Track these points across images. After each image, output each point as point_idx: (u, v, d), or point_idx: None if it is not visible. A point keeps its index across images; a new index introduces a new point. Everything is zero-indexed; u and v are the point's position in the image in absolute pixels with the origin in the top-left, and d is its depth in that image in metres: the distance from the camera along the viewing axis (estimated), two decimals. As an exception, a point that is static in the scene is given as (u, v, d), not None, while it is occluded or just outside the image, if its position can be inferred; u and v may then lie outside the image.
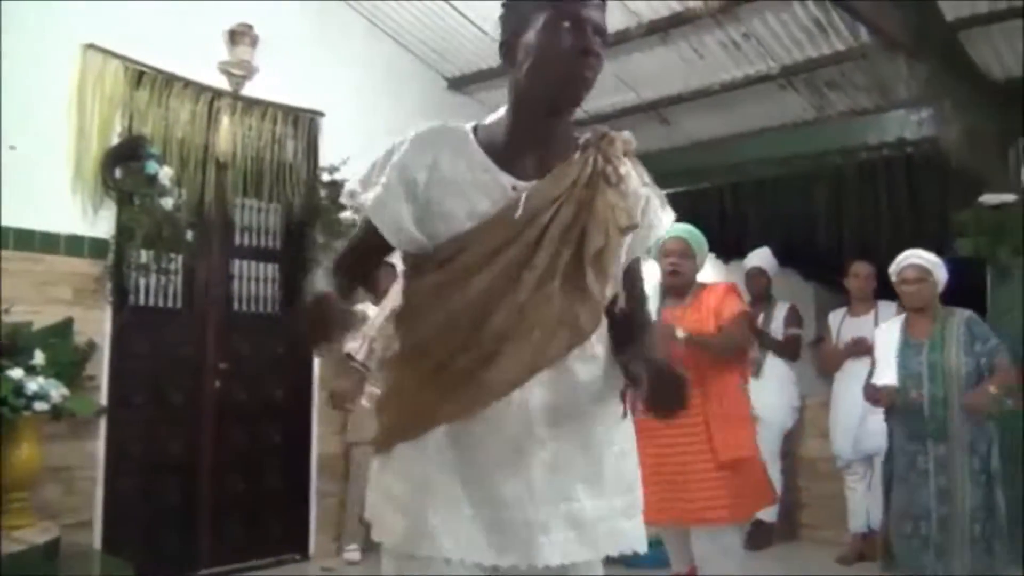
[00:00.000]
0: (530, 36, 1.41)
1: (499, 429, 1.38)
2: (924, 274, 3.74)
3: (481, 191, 1.41)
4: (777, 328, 5.62)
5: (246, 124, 4.92)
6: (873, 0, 3.80)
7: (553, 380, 1.40)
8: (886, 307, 5.11)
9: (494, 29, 1.49)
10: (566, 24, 1.38)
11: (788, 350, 5.55)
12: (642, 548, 1.47)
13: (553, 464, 1.40)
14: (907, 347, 3.66)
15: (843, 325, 5.30)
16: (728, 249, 7.01)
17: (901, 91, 4.82)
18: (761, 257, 5.85)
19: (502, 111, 1.50)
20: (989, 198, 4.96)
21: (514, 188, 1.41)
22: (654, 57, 5.35)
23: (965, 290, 5.53)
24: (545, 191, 1.40)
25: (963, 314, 3.73)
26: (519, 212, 1.37)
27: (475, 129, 1.48)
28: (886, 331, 3.90)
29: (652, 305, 3.35)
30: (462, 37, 5.55)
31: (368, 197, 1.44)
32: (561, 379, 1.41)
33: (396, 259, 1.59)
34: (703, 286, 3.50)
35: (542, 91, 1.41)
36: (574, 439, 1.43)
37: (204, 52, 4.75)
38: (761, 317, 5.58)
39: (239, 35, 4.82)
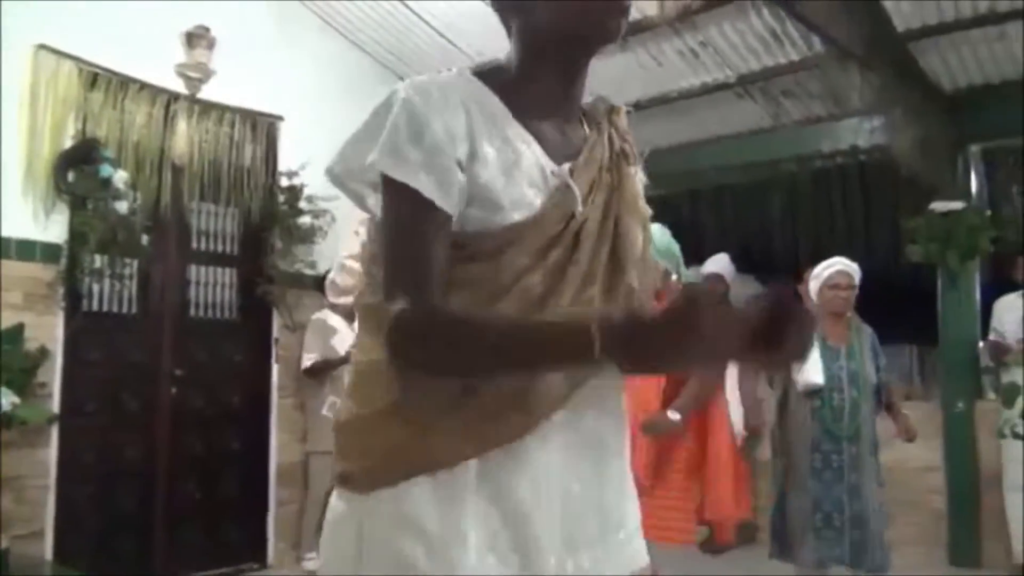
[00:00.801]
0: None
1: (528, 462, 1.11)
2: (852, 281, 3.87)
3: (523, 173, 1.14)
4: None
5: (203, 127, 4.87)
6: (826, 11, 3.87)
7: (580, 401, 1.15)
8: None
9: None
10: None
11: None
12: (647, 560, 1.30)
13: (585, 499, 1.17)
14: (826, 351, 3.74)
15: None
16: (686, 255, 7.07)
17: (854, 100, 4.92)
18: (719, 263, 5.91)
19: (499, 60, 1.23)
20: (939, 205, 5.10)
21: (553, 173, 1.16)
22: (613, 64, 5.38)
23: (916, 294, 5.69)
24: (583, 176, 1.18)
25: (867, 328, 3.91)
26: (579, 207, 1.15)
27: (483, 80, 1.18)
28: None
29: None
30: (420, 40, 5.55)
31: (422, 181, 1.08)
32: (586, 400, 1.16)
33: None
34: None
35: (572, 24, 1.15)
36: (599, 468, 1.20)
37: (160, 54, 4.69)
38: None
39: (196, 38, 4.76)
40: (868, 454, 3.66)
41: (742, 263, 6.33)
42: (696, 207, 6.90)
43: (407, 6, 5.21)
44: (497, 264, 1.11)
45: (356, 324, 1.96)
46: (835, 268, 3.92)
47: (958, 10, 4.54)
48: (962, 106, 5.23)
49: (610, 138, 1.25)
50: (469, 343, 1.05)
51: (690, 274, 3.77)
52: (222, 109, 4.97)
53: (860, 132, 5.41)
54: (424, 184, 1.08)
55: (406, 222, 1.10)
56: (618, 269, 1.18)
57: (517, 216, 1.11)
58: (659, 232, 3.33)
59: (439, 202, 1.08)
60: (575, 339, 0.95)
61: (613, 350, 0.92)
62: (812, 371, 3.74)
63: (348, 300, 4.57)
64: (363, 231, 1.30)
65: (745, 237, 6.67)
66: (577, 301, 1.13)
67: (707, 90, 5.52)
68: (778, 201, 6.63)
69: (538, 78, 1.19)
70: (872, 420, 3.71)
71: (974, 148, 5.37)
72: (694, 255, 6.99)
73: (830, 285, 3.88)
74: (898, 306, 6.02)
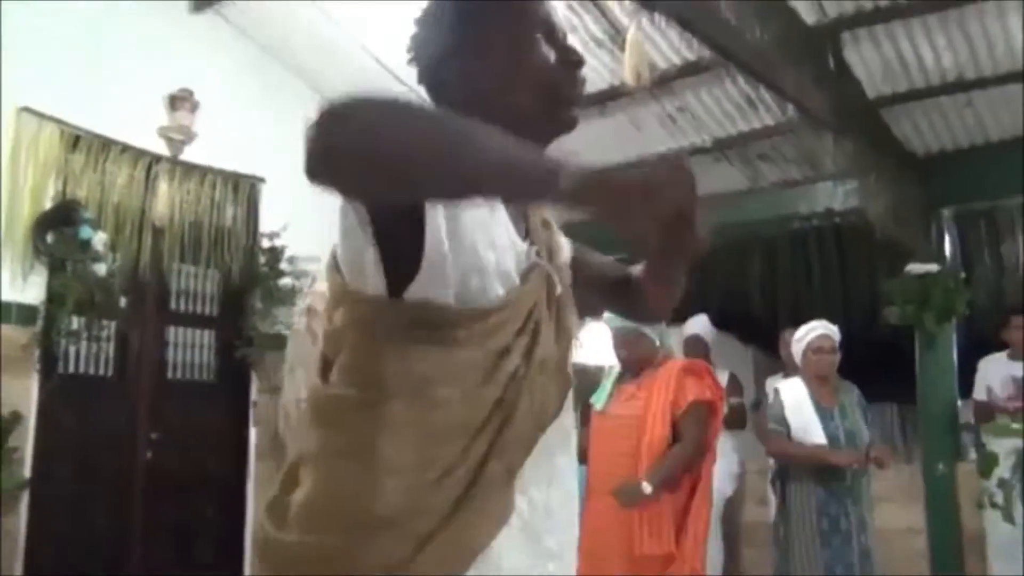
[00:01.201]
0: (505, 44, 1.10)
1: (511, 536, 1.02)
2: (834, 344, 3.94)
3: (505, 244, 1.05)
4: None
5: (185, 189, 4.88)
6: (797, 80, 3.97)
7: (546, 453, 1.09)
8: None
9: (418, 43, 1.17)
10: (545, 31, 1.12)
11: (733, 421, 5.60)
12: None
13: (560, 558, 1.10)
14: (821, 412, 3.79)
15: (780, 390, 5.39)
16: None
17: (828, 164, 5.02)
18: (699, 325, 5.94)
19: None
20: (914, 267, 5.17)
21: (527, 254, 1.10)
22: (593, 128, 5.47)
23: (897, 354, 5.72)
24: (541, 249, 1.14)
25: (853, 386, 3.98)
26: (559, 288, 1.12)
27: None
28: (793, 394, 3.97)
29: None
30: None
31: None
32: (550, 455, 1.10)
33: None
34: (664, 362, 3.49)
35: (534, 116, 1.09)
36: (569, 526, 1.14)
37: (144, 117, 4.72)
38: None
39: (179, 100, 4.81)
40: (868, 513, 3.68)
41: (722, 322, 6.37)
42: (676, 267, 6.95)
43: (390, 71, 5.29)
44: (484, 342, 1.01)
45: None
46: (817, 332, 3.97)
47: (927, 78, 4.66)
48: (934, 170, 5.34)
49: (542, 218, 1.22)
50: (419, 123, 0.86)
51: (670, 334, 3.78)
52: (204, 171, 5.00)
53: (835, 195, 5.50)
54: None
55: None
56: (564, 344, 1.14)
57: (499, 288, 1.02)
58: None
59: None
60: (540, 158, 0.88)
61: (574, 181, 0.84)
62: (813, 432, 3.76)
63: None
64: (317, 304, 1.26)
65: (725, 296, 6.71)
66: (539, 373, 1.06)
67: (685, 154, 5.61)
68: (757, 261, 6.70)
69: None
70: (867, 478, 3.76)
71: (946, 211, 5.47)
72: (676, 313, 7.06)
73: (813, 349, 3.94)
74: (879, 365, 6.04)
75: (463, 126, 0.87)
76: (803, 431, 3.80)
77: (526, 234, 1.13)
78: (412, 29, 1.18)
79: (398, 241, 0.97)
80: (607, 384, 3.61)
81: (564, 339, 1.15)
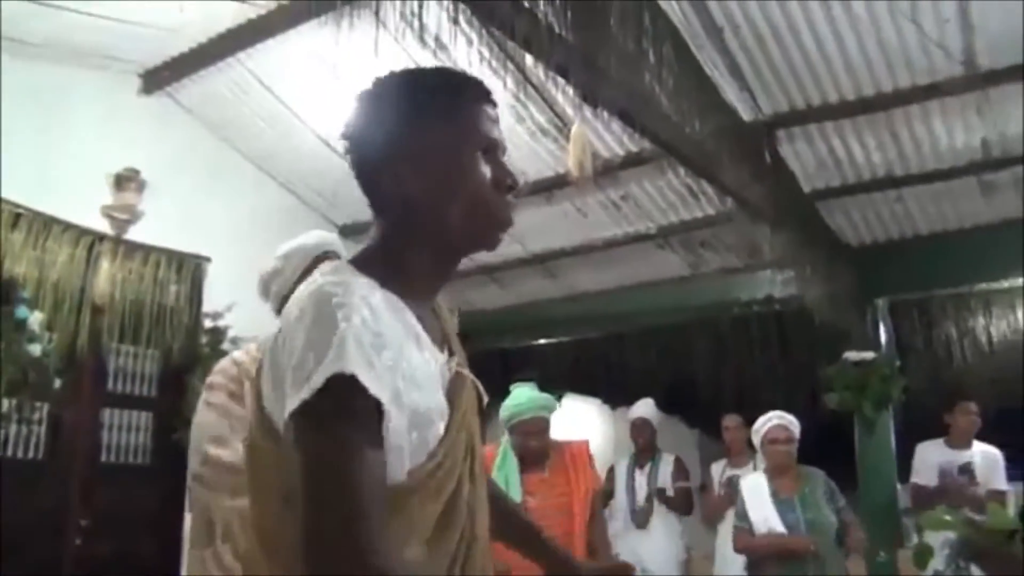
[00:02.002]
0: (442, 157, 1.08)
1: None
2: (790, 434, 4.01)
3: (433, 375, 1.05)
4: (665, 481, 5.66)
5: (127, 268, 4.82)
6: (736, 174, 4.11)
7: None
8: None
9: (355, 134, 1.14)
10: (486, 147, 1.10)
11: (680, 505, 5.58)
12: None
13: None
14: (779, 504, 3.84)
15: (724, 475, 5.42)
16: (614, 396, 7.18)
17: (767, 253, 5.17)
18: (645, 408, 5.97)
19: (368, 249, 1.13)
20: (852, 355, 5.30)
21: (448, 367, 1.10)
22: (540, 213, 5.59)
23: (839, 439, 5.80)
24: (466, 366, 1.15)
25: (819, 473, 4.01)
26: (486, 398, 1.15)
27: (375, 279, 1.04)
28: (753, 485, 4.06)
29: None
30: (352, 185, 5.65)
31: (385, 395, 0.94)
32: None
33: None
34: (556, 445, 3.40)
35: (461, 233, 1.09)
36: None
37: (89, 195, 4.69)
38: (647, 468, 5.63)
39: (125, 180, 4.79)
40: None
41: (668, 406, 6.42)
42: (622, 350, 7.04)
43: (334, 151, 5.35)
44: (439, 494, 1.02)
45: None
46: (772, 423, 4.05)
47: (858, 174, 4.87)
48: (867, 261, 5.54)
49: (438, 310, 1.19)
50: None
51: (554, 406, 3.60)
52: (148, 250, 4.95)
53: (775, 283, 5.64)
54: (386, 395, 0.94)
55: (361, 445, 0.91)
56: (477, 447, 1.15)
57: (440, 424, 1.02)
58: (529, 391, 3.35)
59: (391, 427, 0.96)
60: None
61: None
62: (773, 522, 3.79)
63: None
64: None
65: (669, 380, 6.80)
66: (481, 524, 1.11)
67: (629, 240, 5.74)
68: (701, 346, 6.81)
69: (420, 270, 1.10)
70: (838, 566, 3.79)
71: (881, 301, 5.65)
72: (620, 397, 7.12)
73: (769, 440, 4.01)
74: (821, 450, 6.11)
75: None
76: (763, 523, 3.85)
77: (442, 340, 1.13)
78: (349, 116, 1.15)
79: None
80: (510, 476, 3.37)
81: (476, 444, 1.15)
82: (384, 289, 1.02)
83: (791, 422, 4.04)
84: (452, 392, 1.07)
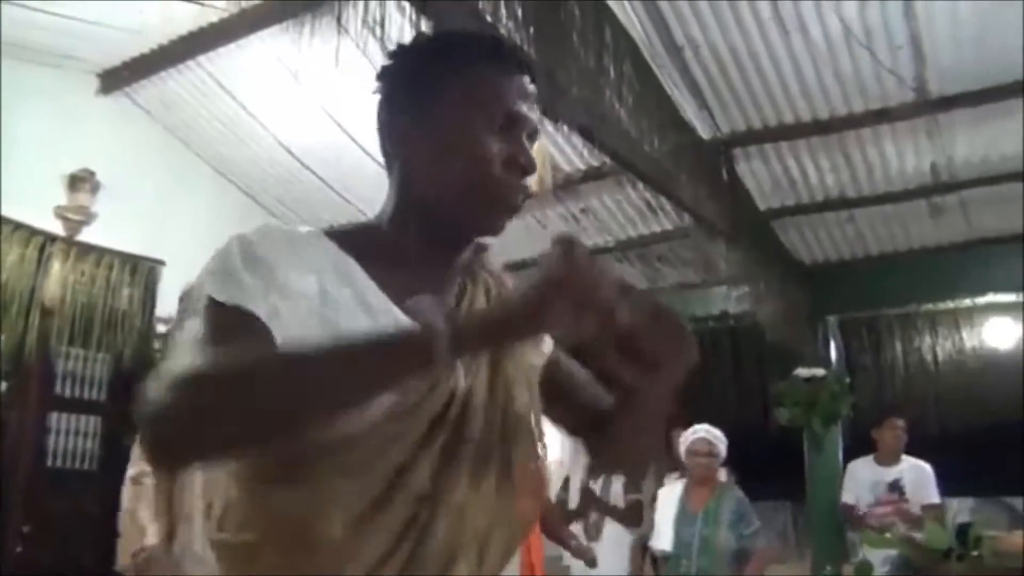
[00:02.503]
0: (450, 125, 0.98)
1: None
2: (713, 448, 4.03)
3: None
4: (617, 493, 5.69)
5: (79, 270, 4.74)
6: (693, 191, 4.18)
7: None
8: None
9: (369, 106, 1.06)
10: (502, 121, 0.98)
11: (630, 517, 5.61)
12: None
13: None
14: (683, 516, 3.86)
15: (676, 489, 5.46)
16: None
17: (722, 269, 5.25)
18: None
19: (366, 222, 1.06)
20: (802, 371, 5.39)
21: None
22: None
23: (791, 452, 5.90)
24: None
25: (736, 493, 4.03)
26: (461, 382, 0.94)
27: (339, 243, 0.96)
28: (668, 496, 4.11)
29: None
30: (311, 191, 5.65)
31: (260, 308, 0.87)
32: None
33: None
34: None
35: (459, 212, 0.98)
36: None
37: (41, 196, 4.60)
38: (601, 481, 5.65)
39: (79, 180, 4.71)
40: None
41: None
42: (579, 363, 7.08)
43: (295, 157, 5.33)
44: (373, 469, 0.87)
45: None
46: (696, 435, 4.09)
47: (812, 194, 4.98)
48: (819, 279, 5.65)
49: (487, 290, 1.06)
50: (269, 381, 0.78)
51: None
52: (101, 252, 4.87)
53: (730, 299, 5.73)
54: (262, 311, 0.86)
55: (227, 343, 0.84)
56: (514, 445, 0.97)
57: (386, 400, 0.85)
58: None
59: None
60: (407, 337, 0.80)
61: (455, 337, 0.75)
62: (663, 537, 3.82)
63: None
64: None
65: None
66: (474, 489, 0.91)
67: (566, 237, 5.77)
68: (656, 359, 6.89)
69: (412, 245, 0.99)
70: None
71: (831, 318, 5.76)
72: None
73: (691, 452, 4.03)
74: (773, 464, 6.21)
75: (298, 360, 0.81)
76: (657, 536, 3.93)
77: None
78: (383, 63, 1.05)
79: None
80: None
81: (516, 436, 0.97)
82: (346, 254, 0.94)
83: (716, 437, 4.07)
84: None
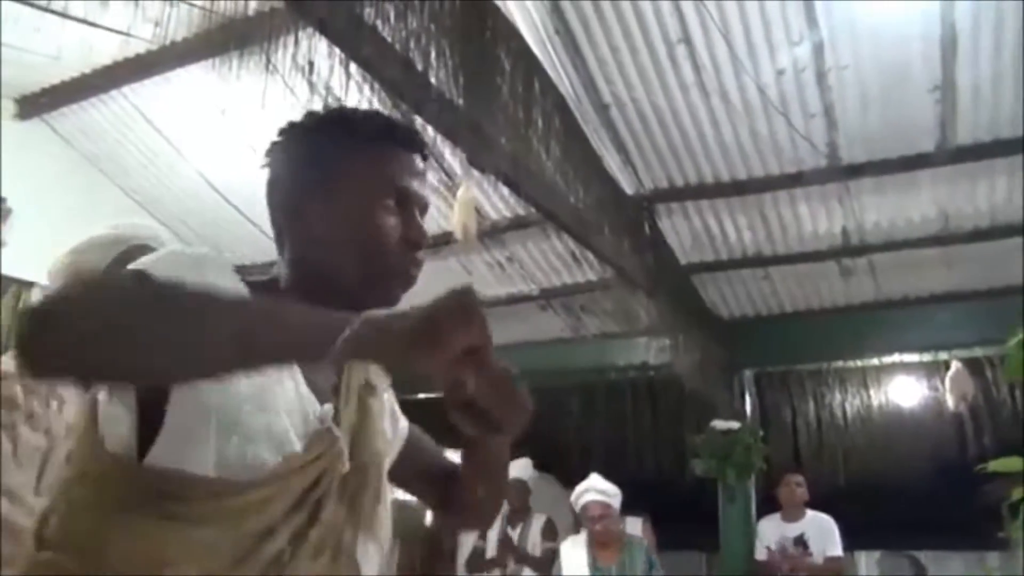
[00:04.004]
0: (346, 201, 1.00)
1: None
2: (607, 510, 3.97)
3: (289, 406, 0.93)
4: (534, 541, 5.67)
5: (-16, 300, 4.56)
6: (615, 244, 4.25)
7: None
8: (633, 522, 5.35)
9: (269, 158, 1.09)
10: (396, 197, 1.02)
11: (544, 565, 5.59)
12: None
13: None
14: (596, 571, 3.86)
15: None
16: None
17: (643, 321, 5.33)
18: (520, 468, 5.98)
19: (268, 273, 1.06)
20: (719, 424, 5.49)
21: (316, 416, 0.95)
22: (424, 269, 5.59)
23: (704, 503, 5.98)
24: (344, 421, 1.00)
25: (641, 543, 4.04)
26: (346, 463, 0.97)
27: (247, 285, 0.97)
28: (571, 549, 4.07)
29: None
30: (232, 226, 5.54)
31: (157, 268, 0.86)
32: None
33: None
34: None
35: (355, 285, 0.99)
36: None
37: (-54, 221, 4.43)
38: (519, 529, 5.63)
39: (-11, 207, 4.55)
40: None
41: (544, 464, 6.46)
42: (500, 409, 7.08)
43: (217, 192, 5.24)
44: (239, 527, 0.85)
45: None
46: (586, 498, 4.02)
47: (730, 251, 5.12)
48: (737, 334, 5.79)
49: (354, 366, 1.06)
50: (137, 310, 0.74)
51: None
52: (7, 281, 4.69)
53: (650, 350, 5.82)
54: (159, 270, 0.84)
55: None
56: (359, 527, 0.99)
57: (269, 456, 0.87)
58: None
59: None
60: (311, 320, 0.77)
61: (348, 338, 0.73)
62: None
63: None
64: None
65: (545, 439, 6.85)
66: (312, 568, 0.91)
67: (513, 300, 5.81)
68: (577, 407, 6.92)
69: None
70: None
71: (748, 372, 5.90)
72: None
73: (587, 516, 3.98)
74: (688, 513, 6.28)
75: (199, 300, 0.77)
76: None
77: (335, 394, 1.01)
78: (270, 144, 1.08)
79: (152, 395, 0.84)
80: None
81: (359, 523, 0.99)
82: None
83: (607, 493, 4.00)
84: (311, 443, 0.93)
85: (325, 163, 1.02)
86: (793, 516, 5.02)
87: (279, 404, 0.91)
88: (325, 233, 1.00)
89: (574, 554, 4.00)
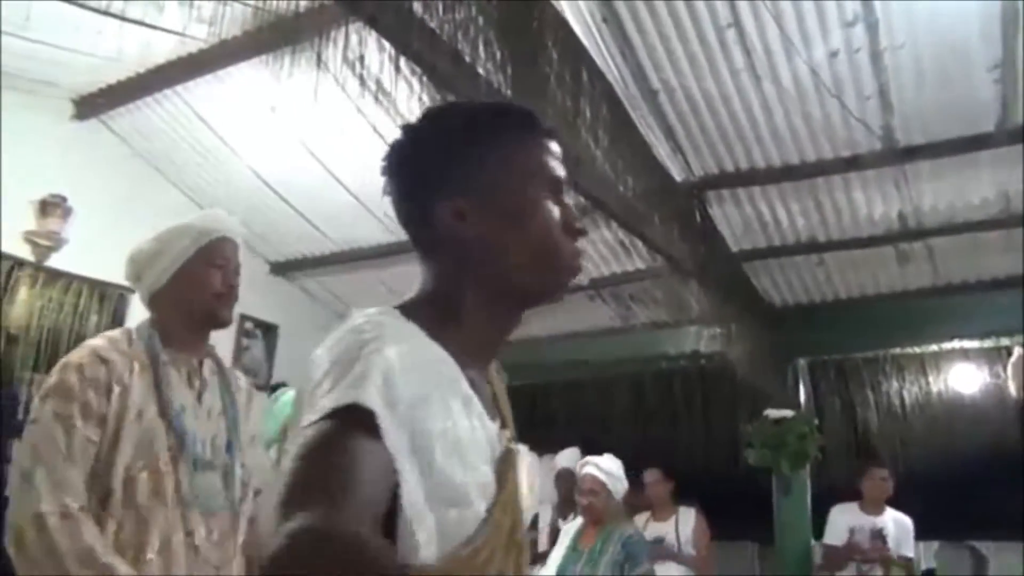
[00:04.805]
0: (509, 197, 0.98)
1: None
2: (599, 487, 3.72)
3: (481, 446, 0.91)
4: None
5: (46, 296, 4.69)
6: (666, 232, 4.22)
7: None
8: (685, 512, 5.32)
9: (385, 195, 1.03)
10: (553, 189, 1.01)
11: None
12: None
13: None
14: (572, 553, 3.61)
15: (646, 529, 5.44)
16: (540, 444, 7.19)
17: (693, 309, 5.29)
18: (570, 458, 5.98)
19: (420, 297, 1.00)
20: (772, 412, 5.43)
21: (500, 441, 0.95)
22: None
23: (757, 492, 5.92)
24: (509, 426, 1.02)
25: (626, 531, 3.70)
26: (531, 483, 1.03)
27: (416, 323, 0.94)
28: (566, 532, 3.88)
29: None
30: (286, 222, 5.63)
31: (377, 404, 0.78)
32: None
33: None
34: None
35: (529, 281, 0.99)
36: None
37: (11, 220, 4.55)
38: (570, 519, 5.64)
39: (50, 206, 4.68)
40: None
41: (592, 454, 6.45)
42: (549, 399, 7.08)
43: (270, 187, 5.32)
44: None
45: None
46: (584, 471, 3.78)
47: (783, 237, 5.04)
48: (790, 322, 5.71)
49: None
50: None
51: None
52: (69, 278, 4.82)
53: (701, 339, 5.77)
54: (380, 410, 0.77)
55: (340, 443, 0.75)
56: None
57: (482, 504, 0.87)
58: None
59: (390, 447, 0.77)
60: None
61: None
62: (549, 570, 3.59)
63: None
64: None
65: (594, 430, 6.84)
66: None
67: (562, 290, 5.80)
68: (627, 397, 6.90)
69: (477, 323, 0.98)
70: None
71: (801, 361, 5.81)
72: (545, 445, 7.15)
73: (579, 489, 3.76)
74: (740, 504, 6.22)
75: None
76: (546, 572, 3.67)
77: (493, 408, 1.00)
78: (391, 148, 1.03)
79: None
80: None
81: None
82: (431, 340, 0.91)
83: (608, 471, 3.75)
84: (501, 469, 0.92)
85: (477, 161, 0.98)
86: (874, 510, 4.97)
87: (477, 452, 0.90)
88: (493, 233, 0.96)
89: (568, 533, 3.83)
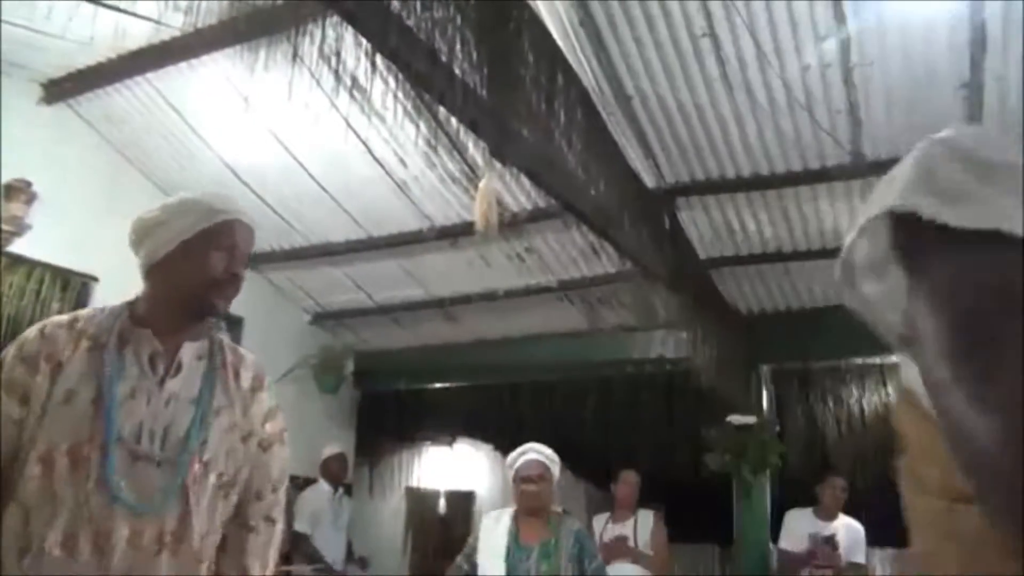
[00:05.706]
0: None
1: None
2: (546, 472, 3.42)
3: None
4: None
5: (7, 282, 4.62)
6: (636, 237, 4.25)
7: None
8: (644, 514, 5.35)
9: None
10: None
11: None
12: None
13: None
14: (517, 549, 3.31)
15: (606, 529, 5.47)
16: (505, 444, 7.20)
17: (661, 314, 5.33)
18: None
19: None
20: (735, 418, 5.49)
21: None
22: (444, 259, 5.63)
23: (719, 495, 5.98)
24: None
25: (574, 523, 3.49)
26: None
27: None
28: (494, 524, 3.45)
29: None
30: (255, 214, 5.53)
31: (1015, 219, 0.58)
32: None
33: None
34: None
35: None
36: None
37: (-28, 203, 4.48)
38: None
39: (15, 191, 4.60)
40: None
41: (557, 455, 6.48)
42: (517, 398, 7.09)
43: (239, 178, 5.28)
44: None
45: None
46: (526, 457, 3.45)
47: (750, 246, 5.10)
48: (755, 329, 5.77)
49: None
50: None
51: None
52: (32, 265, 4.75)
53: (667, 344, 5.82)
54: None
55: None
56: None
57: None
58: None
59: None
60: None
61: None
62: (491, 569, 3.30)
63: None
64: None
65: (561, 430, 6.86)
66: None
67: (530, 291, 5.83)
68: (592, 399, 6.93)
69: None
70: None
71: (765, 368, 5.88)
72: (512, 445, 7.15)
73: (521, 478, 3.40)
74: (702, 507, 6.28)
75: None
76: (482, 570, 3.33)
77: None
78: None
79: None
80: None
81: None
82: None
83: (549, 458, 3.46)
84: None
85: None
86: (828, 516, 5.08)
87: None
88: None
89: (496, 530, 3.38)
